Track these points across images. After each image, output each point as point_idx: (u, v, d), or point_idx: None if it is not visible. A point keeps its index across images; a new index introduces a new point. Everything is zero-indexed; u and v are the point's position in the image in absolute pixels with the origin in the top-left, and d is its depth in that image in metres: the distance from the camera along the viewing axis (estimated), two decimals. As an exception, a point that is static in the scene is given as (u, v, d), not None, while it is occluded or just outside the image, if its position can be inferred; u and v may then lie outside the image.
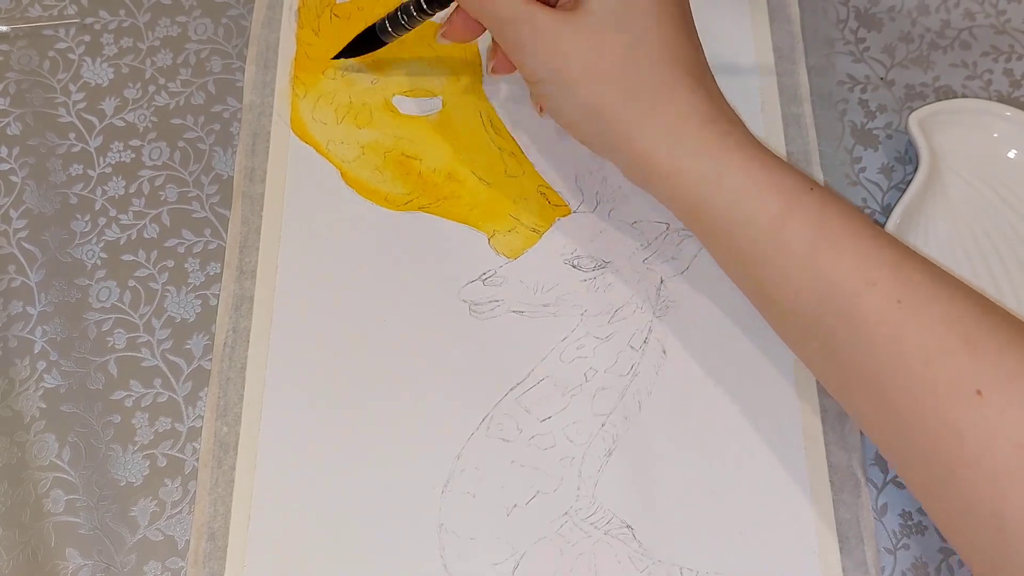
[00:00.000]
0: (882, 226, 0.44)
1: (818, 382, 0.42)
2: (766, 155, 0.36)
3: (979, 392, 0.31)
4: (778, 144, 0.47)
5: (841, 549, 0.40)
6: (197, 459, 0.42)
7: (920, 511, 0.41)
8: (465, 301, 0.44)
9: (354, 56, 0.47)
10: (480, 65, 0.49)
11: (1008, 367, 0.31)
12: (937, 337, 0.32)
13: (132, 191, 0.47)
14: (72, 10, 0.51)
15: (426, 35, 0.50)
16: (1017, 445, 0.30)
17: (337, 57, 0.48)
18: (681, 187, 0.37)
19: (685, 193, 0.37)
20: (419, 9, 0.43)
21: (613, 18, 0.37)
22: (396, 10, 0.44)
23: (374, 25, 0.45)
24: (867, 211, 0.46)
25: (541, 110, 0.43)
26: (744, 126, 0.38)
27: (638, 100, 0.37)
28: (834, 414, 0.42)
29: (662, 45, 0.37)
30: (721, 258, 0.38)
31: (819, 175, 0.46)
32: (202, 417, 0.43)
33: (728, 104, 0.38)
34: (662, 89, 0.37)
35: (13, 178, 0.47)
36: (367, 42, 0.46)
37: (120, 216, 0.47)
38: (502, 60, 0.42)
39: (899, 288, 0.33)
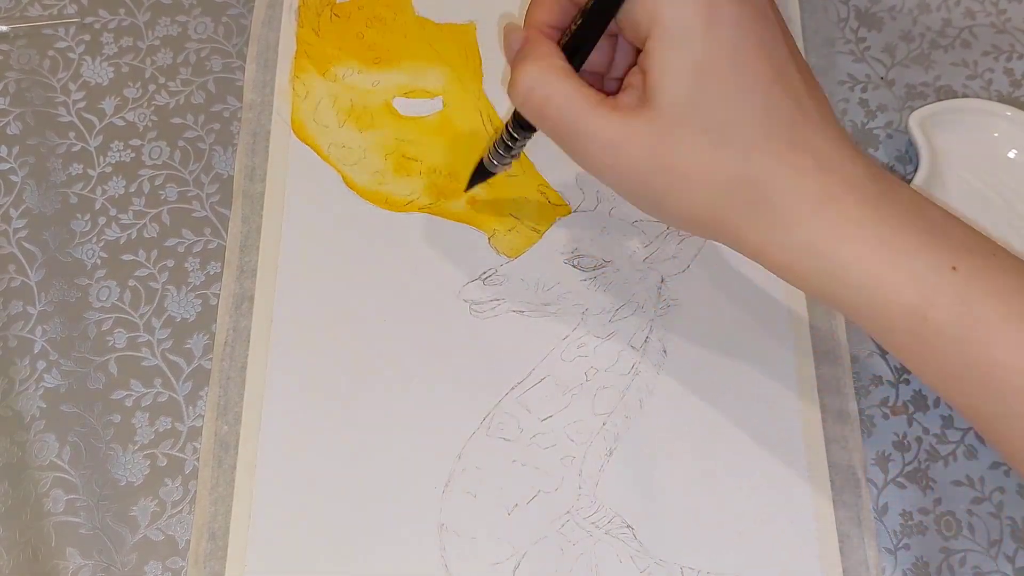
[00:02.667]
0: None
1: (818, 383, 0.42)
2: (895, 232, 0.30)
3: None
4: (778, 144, 0.47)
5: (841, 549, 0.40)
6: (197, 459, 0.42)
7: (921, 511, 0.41)
8: (465, 301, 0.44)
9: (478, 183, 0.43)
10: (480, 65, 0.49)
11: None
12: None
13: (132, 190, 0.47)
14: (72, 9, 0.51)
15: (426, 35, 0.50)
16: None
17: (468, 189, 0.43)
18: (800, 280, 0.32)
19: (805, 285, 0.32)
20: (512, 140, 0.38)
21: (688, 113, 0.30)
22: (493, 145, 0.39)
23: (481, 160, 0.41)
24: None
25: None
26: (868, 197, 0.31)
27: (733, 200, 0.31)
28: (834, 414, 0.42)
29: (754, 126, 0.30)
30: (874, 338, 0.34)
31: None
32: (202, 416, 0.42)
33: (849, 160, 0.31)
34: (759, 183, 0.30)
35: (13, 178, 0.47)
36: (481, 175, 0.42)
37: (120, 216, 0.47)
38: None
39: None
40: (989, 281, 0.30)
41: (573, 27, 0.34)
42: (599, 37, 0.33)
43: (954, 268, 0.30)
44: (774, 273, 0.32)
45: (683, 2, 0.30)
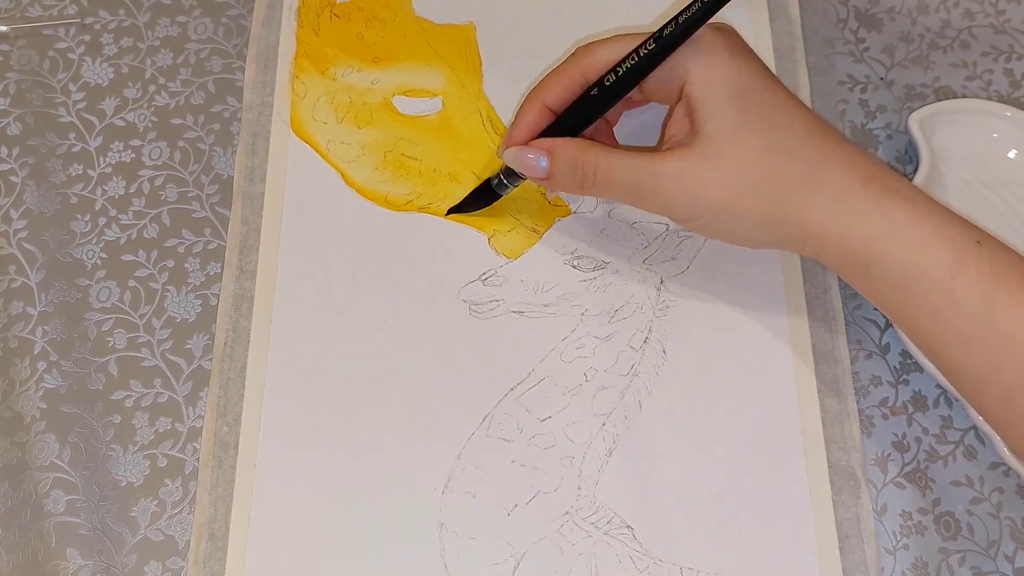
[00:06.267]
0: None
1: (818, 383, 0.42)
2: (933, 208, 0.36)
3: None
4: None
5: (841, 549, 0.40)
6: (197, 459, 0.42)
7: (920, 511, 0.41)
8: (465, 301, 0.44)
9: (470, 210, 0.46)
10: (479, 65, 0.49)
11: None
12: None
13: (132, 191, 0.47)
14: (72, 10, 0.51)
15: (426, 35, 0.50)
16: None
17: (452, 212, 0.46)
18: (852, 249, 0.36)
19: (856, 255, 0.36)
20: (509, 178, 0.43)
21: (737, 130, 0.36)
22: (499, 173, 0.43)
23: (488, 180, 0.44)
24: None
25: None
26: (906, 180, 0.37)
27: (800, 187, 0.36)
28: (834, 414, 0.42)
29: (795, 128, 0.37)
30: (894, 315, 0.37)
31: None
32: (202, 417, 0.43)
33: (880, 160, 0.37)
34: (816, 167, 0.36)
35: (13, 178, 0.47)
36: (483, 196, 0.45)
37: (120, 216, 0.47)
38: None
39: None
40: (1008, 256, 0.35)
41: (582, 103, 0.40)
42: (607, 110, 0.40)
43: (979, 242, 0.35)
44: (821, 254, 0.37)
45: (713, 49, 0.37)
